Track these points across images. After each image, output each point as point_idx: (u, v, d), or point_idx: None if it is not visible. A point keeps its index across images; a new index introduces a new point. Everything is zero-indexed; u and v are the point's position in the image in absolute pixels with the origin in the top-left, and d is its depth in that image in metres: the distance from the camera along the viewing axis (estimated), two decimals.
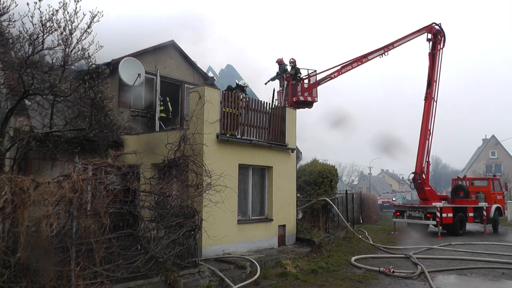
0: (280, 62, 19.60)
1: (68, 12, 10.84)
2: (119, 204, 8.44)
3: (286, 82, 19.06)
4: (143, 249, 8.70)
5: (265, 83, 19.90)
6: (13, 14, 10.22)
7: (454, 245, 17.96)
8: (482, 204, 24.48)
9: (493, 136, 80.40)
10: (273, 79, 19.77)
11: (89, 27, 11.37)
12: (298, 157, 20.71)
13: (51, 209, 7.08)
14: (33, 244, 6.93)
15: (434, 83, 23.49)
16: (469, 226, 24.70)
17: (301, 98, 18.79)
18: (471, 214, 23.79)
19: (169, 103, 17.15)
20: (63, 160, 11.10)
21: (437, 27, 23.22)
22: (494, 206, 25.01)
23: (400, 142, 22.80)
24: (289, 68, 19.48)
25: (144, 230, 9.00)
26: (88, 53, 11.68)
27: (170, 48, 17.61)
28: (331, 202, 19.45)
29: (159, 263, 8.97)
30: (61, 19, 10.79)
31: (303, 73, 19.23)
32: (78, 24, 11.13)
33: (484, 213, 24.25)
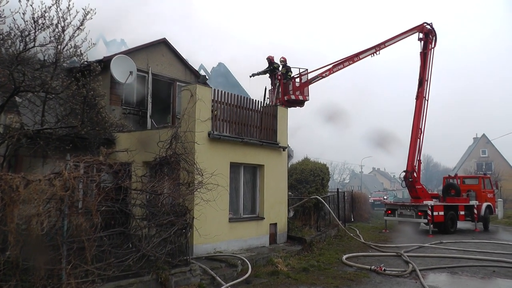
0: (271, 60, 19.56)
1: (61, 9, 10.80)
2: (110, 202, 8.41)
3: (277, 81, 19.05)
4: (134, 248, 8.67)
5: (250, 76, 19.67)
6: (3, 10, 10.14)
7: (445, 243, 18.09)
8: (473, 202, 24.68)
9: (483, 135, 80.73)
10: (260, 73, 19.64)
11: (81, 24, 11.30)
12: (290, 156, 20.73)
13: (41, 207, 7.04)
14: (23, 243, 6.89)
15: (426, 82, 23.62)
16: (460, 224, 24.90)
17: (293, 97, 18.82)
18: (462, 212, 23.94)
19: None
20: (55, 157, 11.00)
21: (428, 26, 23.35)
22: (484, 204, 25.22)
23: (393, 136, 22.86)
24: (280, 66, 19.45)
25: (136, 228, 8.97)
26: (80, 51, 11.61)
27: (162, 46, 17.56)
28: (323, 201, 19.49)
29: (150, 262, 8.95)
30: (53, 16, 10.73)
31: (295, 72, 19.24)
32: (71, 21, 11.08)
33: (475, 211, 24.44)
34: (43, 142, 11.15)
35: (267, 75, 19.61)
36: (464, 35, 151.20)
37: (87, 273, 7.62)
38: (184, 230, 9.91)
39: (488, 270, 12.77)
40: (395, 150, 24.41)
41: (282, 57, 19.39)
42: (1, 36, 10.39)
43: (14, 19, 10.22)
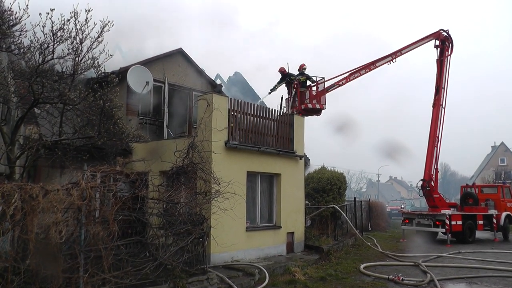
0: (283, 72, 19.61)
1: (79, 21, 10.91)
2: (127, 211, 8.49)
3: (294, 90, 19.07)
4: (151, 256, 8.72)
5: (269, 92, 19.91)
6: (25, 24, 10.32)
7: (463, 253, 17.81)
8: (492, 211, 24.26)
9: (502, 143, 79.87)
10: (276, 86, 19.74)
11: (99, 36, 11.44)
12: (306, 164, 20.67)
13: (60, 216, 7.14)
14: (42, 251, 6.98)
15: (442, 90, 23.38)
16: (479, 234, 24.51)
17: (310, 106, 18.80)
18: (480, 222, 23.57)
19: None
20: (72, 167, 11.14)
21: (444, 33, 23.13)
22: (504, 214, 24.77)
23: (404, 146, 22.57)
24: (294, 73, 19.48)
25: (153, 237, 9.03)
26: (98, 62, 11.75)
27: (178, 56, 17.70)
28: (340, 210, 19.37)
29: (167, 270, 8.99)
30: (72, 28, 10.87)
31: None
32: (89, 33, 11.21)
33: (494, 220, 24.03)
34: (61, 153, 11.32)
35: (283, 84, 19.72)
36: (483, 42, 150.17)
37: (104, 282, 7.68)
38: (201, 239, 9.95)
39: (509, 281, 12.52)
40: (411, 160, 24.07)
41: (303, 64, 19.38)
42: (22, 49, 10.57)
43: (34, 32, 10.39)
